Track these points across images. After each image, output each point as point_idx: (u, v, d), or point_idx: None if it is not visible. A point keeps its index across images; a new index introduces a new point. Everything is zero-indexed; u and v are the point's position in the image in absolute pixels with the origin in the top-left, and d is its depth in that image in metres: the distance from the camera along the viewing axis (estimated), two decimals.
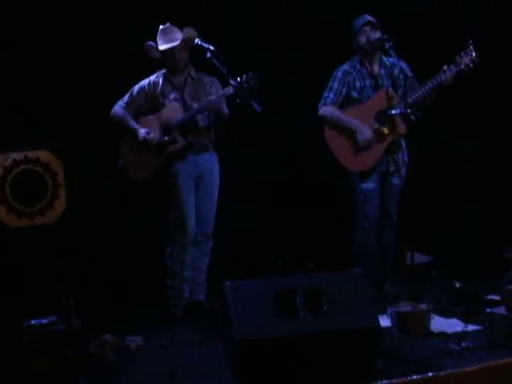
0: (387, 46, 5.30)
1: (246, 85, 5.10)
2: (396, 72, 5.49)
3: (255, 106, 5.05)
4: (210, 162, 5.50)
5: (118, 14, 5.88)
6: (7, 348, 4.24)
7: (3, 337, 4.38)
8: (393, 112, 5.29)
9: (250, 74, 5.13)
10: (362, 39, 5.44)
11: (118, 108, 5.49)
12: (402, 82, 5.43)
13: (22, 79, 5.69)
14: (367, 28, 5.42)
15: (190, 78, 5.47)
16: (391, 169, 5.50)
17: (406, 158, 5.56)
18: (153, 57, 5.41)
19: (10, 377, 4.10)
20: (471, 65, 5.20)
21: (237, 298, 3.92)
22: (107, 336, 4.43)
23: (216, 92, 5.40)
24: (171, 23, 5.37)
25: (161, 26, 5.37)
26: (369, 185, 5.48)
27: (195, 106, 5.37)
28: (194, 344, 4.76)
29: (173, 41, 5.31)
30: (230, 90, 5.18)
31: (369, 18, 5.45)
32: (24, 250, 5.23)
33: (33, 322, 4.26)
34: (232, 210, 6.05)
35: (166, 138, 5.33)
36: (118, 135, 5.50)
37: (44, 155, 5.14)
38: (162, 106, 5.43)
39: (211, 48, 5.17)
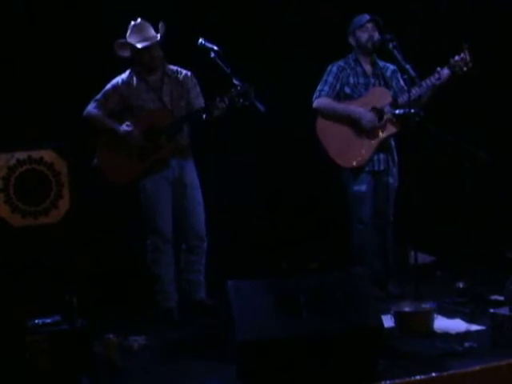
0: (391, 45, 5.31)
1: (236, 100, 5.01)
2: (388, 74, 5.54)
3: (259, 106, 5.05)
4: (186, 164, 5.36)
5: (118, 14, 5.85)
6: (11, 347, 4.24)
7: (7, 336, 4.38)
8: (396, 112, 5.30)
9: (245, 86, 5.02)
10: (364, 36, 5.45)
11: (92, 108, 5.27)
12: (394, 84, 5.48)
13: (26, 79, 5.69)
14: (370, 25, 5.44)
15: (166, 76, 5.31)
16: (382, 167, 5.51)
17: (395, 157, 5.58)
18: (121, 55, 5.24)
19: (14, 376, 4.11)
20: (465, 68, 5.27)
21: (239, 298, 3.92)
22: (110, 336, 4.43)
23: (193, 88, 5.32)
24: (142, 19, 5.23)
25: (132, 22, 5.23)
26: (361, 187, 5.49)
27: (181, 110, 5.26)
28: (197, 343, 4.76)
29: (149, 38, 5.16)
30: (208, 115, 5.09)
31: (371, 16, 5.46)
32: (28, 249, 5.24)
33: (36, 321, 4.26)
34: (234, 210, 6.06)
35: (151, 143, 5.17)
36: (93, 136, 5.31)
37: (48, 155, 5.17)
38: (138, 107, 5.25)
39: (215, 48, 5.15)
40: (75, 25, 5.81)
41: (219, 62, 5.12)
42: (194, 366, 4.38)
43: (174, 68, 5.37)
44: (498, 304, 4.77)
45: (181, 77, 5.36)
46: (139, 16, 5.28)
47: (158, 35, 5.19)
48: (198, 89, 5.38)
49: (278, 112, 5.70)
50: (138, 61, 5.26)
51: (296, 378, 3.85)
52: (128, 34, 5.24)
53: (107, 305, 5.49)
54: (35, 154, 5.13)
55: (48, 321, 4.26)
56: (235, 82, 5.08)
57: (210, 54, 5.16)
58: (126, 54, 5.26)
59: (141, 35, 5.19)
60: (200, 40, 5.23)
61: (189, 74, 5.39)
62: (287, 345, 3.82)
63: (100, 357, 4.36)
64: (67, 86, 5.75)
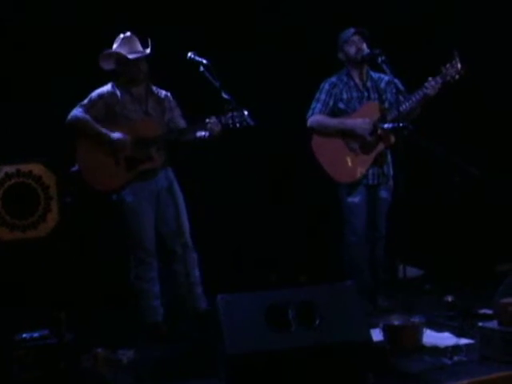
0: (380, 60, 5.32)
1: (230, 121, 5.06)
2: (383, 85, 5.55)
3: (249, 121, 5.06)
4: (168, 177, 5.34)
5: (115, 20, 5.85)
6: None
7: None
8: (385, 126, 5.32)
9: (236, 113, 5.06)
10: (352, 49, 5.48)
11: (79, 113, 5.21)
12: (389, 96, 5.49)
13: (15, 91, 5.68)
14: (356, 38, 5.47)
15: (149, 91, 5.34)
16: (378, 181, 5.52)
17: (391, 170, 5.59)
18: (104, 68, 5.24)
19: None
20: (457, 76, 5.25)
21: (229, 311, 3.91)
22: (99, 350, 4.42)
23: (175, 108, 5.38)
24: (132, 33, 5.25)
25: (121, 35, 5.24)
26: (355, 198, 5.50)
27: (164, 126, 5.28)
28: (186, 357, 4.74)
29: (139, 51, 5.19)
30: (206, 134, 5.15)
31: (356, 28, 5.49)
32: (16, 263, 5.21)
33: (24, 335, 4.25)
34: (224, 222, 6.06)
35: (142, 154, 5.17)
36: (73, 140, 5.25)
37: (36, 168, 5.15)
38: (123, 117, 5.22)
39: (204, 62, 5.16)
40: (69, 34, 5.81)
41: (208, 75, 5.13)
42: (184, 380, 4.36)
43: (154, 87, 5.39)
44: (486, 317, 4.78)
45: (161, 95, 5.39)
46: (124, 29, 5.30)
47: (148, 49, 5.21)
48: (179, 109, 5.42)
49: (271, 123, 5.73)
50: (122, 73, 5.26)
51: None
52: (116, 45, 5.24)
53: (96, 318, 5.47)
54: (24, 168, 5.11)
55: (36, 335, 4.25)
56: (224, 96, 5.09)
57: (199, 68, 5.17)
58: (110, 66, 5.25)
59: (130, 47, 5.20)
60: (189, 54, 5.24)
61: (168, 94, 5.42)
62: (276, 358, 3.82)
63: (88, 371, 4.34)
64: (57, 98, 5.73)
